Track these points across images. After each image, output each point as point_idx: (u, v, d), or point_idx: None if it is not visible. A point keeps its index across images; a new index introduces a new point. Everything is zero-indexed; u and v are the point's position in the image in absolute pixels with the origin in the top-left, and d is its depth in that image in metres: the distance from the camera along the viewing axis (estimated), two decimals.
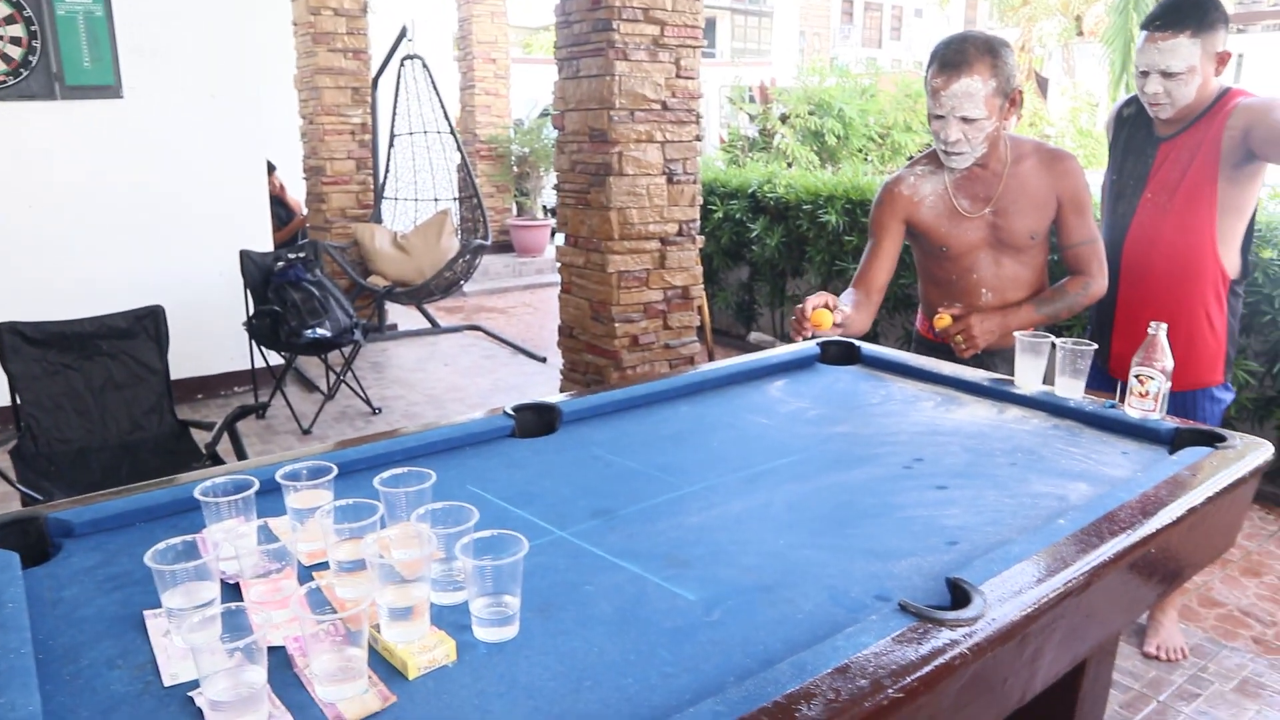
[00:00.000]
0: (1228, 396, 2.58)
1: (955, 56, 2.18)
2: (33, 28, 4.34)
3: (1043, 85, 15.03)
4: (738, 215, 5.89)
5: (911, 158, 2.55)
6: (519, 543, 1.17)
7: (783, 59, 20.89)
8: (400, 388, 5.46)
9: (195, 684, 1.06)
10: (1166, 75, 2.32)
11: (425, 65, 6.23)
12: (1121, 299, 2.54)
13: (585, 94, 3.69)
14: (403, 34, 6.09)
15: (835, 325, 2.20)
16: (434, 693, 1.06)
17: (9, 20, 4.30)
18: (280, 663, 1.11)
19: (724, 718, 0.94)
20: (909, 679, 1.04)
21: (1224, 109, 2.35)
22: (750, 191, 5.82)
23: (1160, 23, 2.31)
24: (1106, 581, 1.37)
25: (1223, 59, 2.34)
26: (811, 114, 7.97)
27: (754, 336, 6.02)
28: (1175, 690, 2.57)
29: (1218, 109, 2.36)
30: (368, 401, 4.97)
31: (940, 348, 2.55)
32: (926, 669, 1.06)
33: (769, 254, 5.67)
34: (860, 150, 8.35)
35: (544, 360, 5.91)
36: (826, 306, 2.16)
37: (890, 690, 1.02)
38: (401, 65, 6.23)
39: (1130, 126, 2.57)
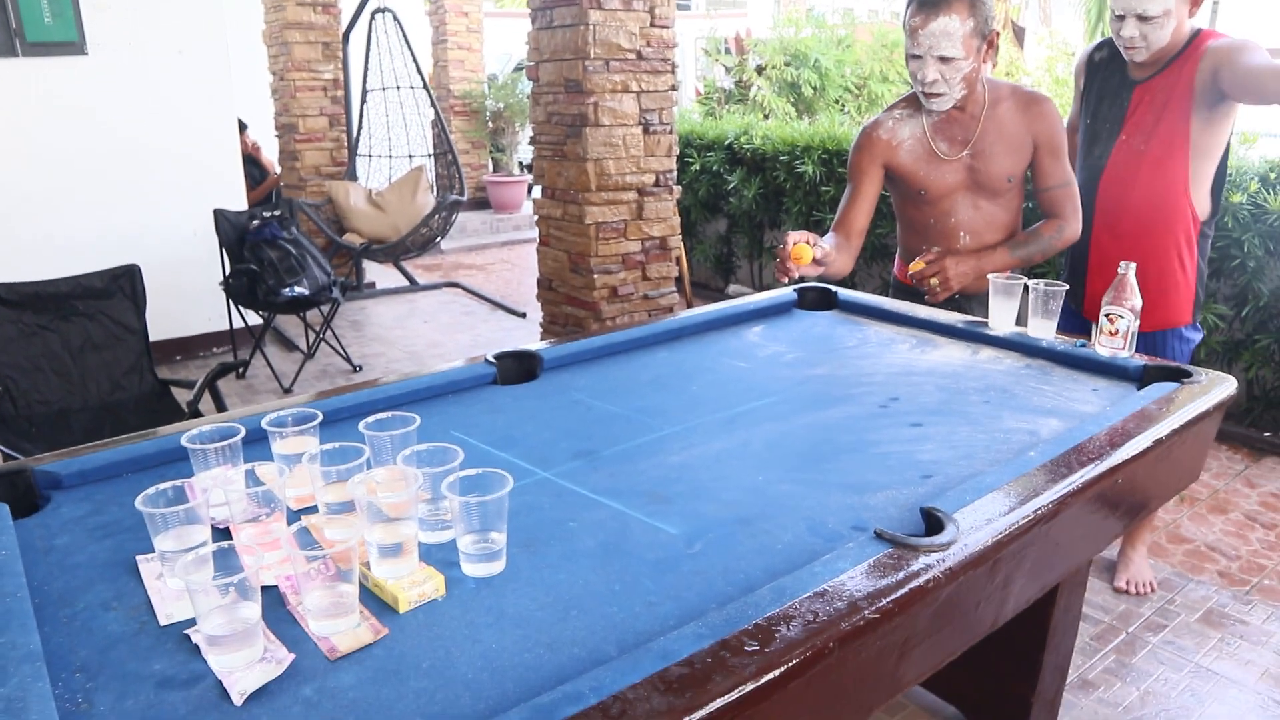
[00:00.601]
0: (1196, 336, 2.63)
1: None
2: None
3: (1019, 34, 14.95)
4: (715, 167, 5.87)
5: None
6: (503, 480, 1.20)
7: (760, 10, 20.65)
8: (380, 345, 5.46)
9: (190, 623, 1.09)
10: (1142, 19, 2.32)
11: (396, 19, 6.15)
12: (1095, 241, 2.57)
13: (560, 44, 3.66)
14: None
15: (816, 261, 2.24)
16: (425, 624, 1.09)
17: None
18: (273, 601, 1.14)
19: (706, 639, 0.98)
20: (884, 601, 1.09)
21: (1196, 51, 2.37)
22: (727, 143, 5.80)
23: None
24: (1074, 510, 1.42)
25: (1196, 1, 2.36)
26: (788, 65, 7.92)
27: (733, 289, 6.05)
28: (1143, 622, 2.65)
29: (1190, 51, 2.38)
30: (348, 359, 4.97)
31: (918, 293, 2.58)
32: (901, 592, 1.11)
33: (746, 206, 5.67)
34: (837, 101, 8.31)
35: (523, 315, 5.91)
36: (806, 243, 2.19)
37: (866, 612, 1.06)
38: (372, 19, 6.14)
39: (1104, 71, 2.59)
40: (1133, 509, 1.74)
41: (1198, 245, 2.52)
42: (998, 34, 2.30)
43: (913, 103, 2.44)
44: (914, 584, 1.12)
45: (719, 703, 0.90)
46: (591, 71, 3.56)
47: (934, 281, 2.38)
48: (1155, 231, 2.49)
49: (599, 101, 3.60)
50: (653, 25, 3.64)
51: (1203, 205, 2.49)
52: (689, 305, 5.25)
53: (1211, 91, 2.34)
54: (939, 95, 2.28)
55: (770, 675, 0.94)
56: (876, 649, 1.10)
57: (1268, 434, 3.86)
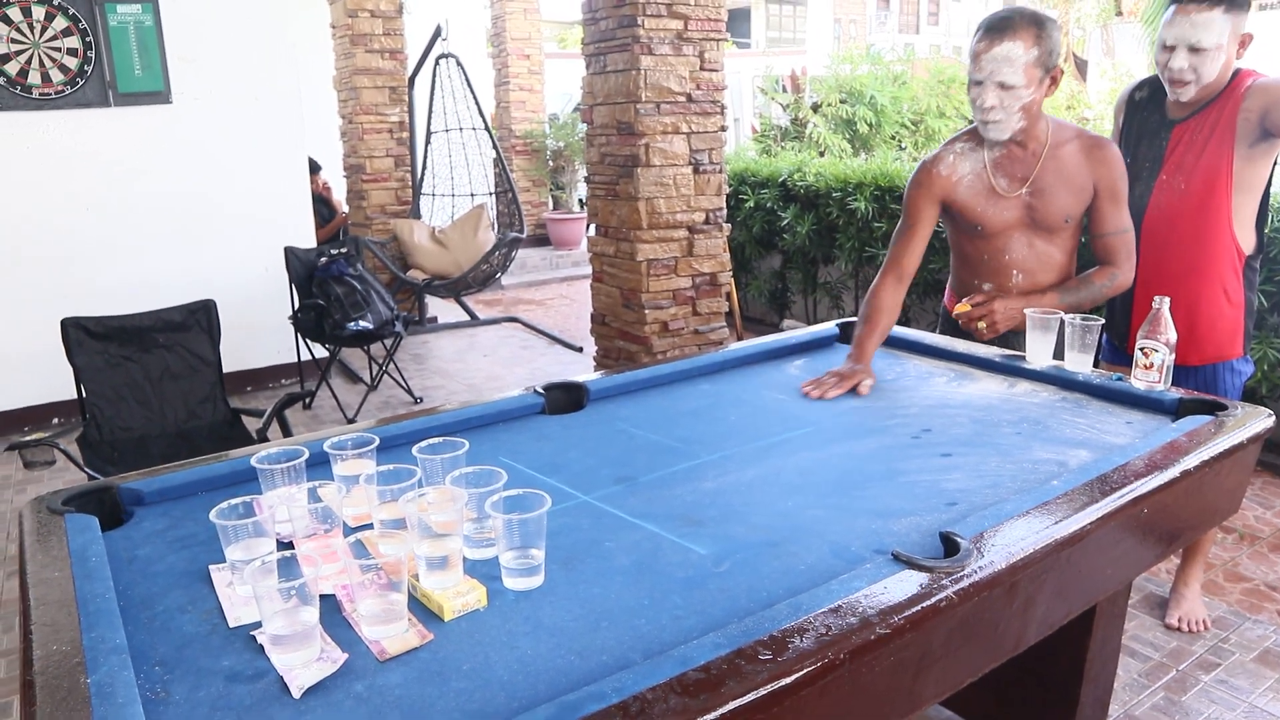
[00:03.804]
0: (1248, 369, 2.63)
1: (1000, 23, 2.21)
2: (87, 39, 4.55)
3: (1081, 67, 14.84)
4: (769, 204, 5.96)
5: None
6: (542, 500, 1.29)
7: (817, 47, 20.82)
8: (440, 378, 5.62)
9: (256, 625, 1.20)
10: (1194, 50, 2.30)
11: (459, 64, 6.38)
12: (1140, 280, 2.55)
13: (612, 88, 3.80)
14: (437, 33, 6.24)
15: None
16: (467, 632, 1.18)
17: (65, 33, 4.51)
18: (330, 608, 1.24)
19: (724, 648, 1.05)
20: (897, 618, 1.15)
21: (1238, 89, 2.38)
22: (781, 180, 5.89)
23: None
24: (1096, 538, 1.46)
25: (1244, 42, 2.35)
26: (843, 102, 8.00)
27: (787, 324, 6.10)
28: (1195, 660, 2.63)
29: (1230, 90, 2.39)
30: (409, 391, 5.14)
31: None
32: (913, 609, 1.17)
33: (800, 242, 5.74)
34: (893, 137, 8.35)
35: (579, 350, 6.03)
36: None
37: (879, 627, 1.12)
38: (437, 64, 6.38)
39: (1143, 110, 2.61)
40: (1164, 539, 1.76)
41: (1244, 279, 2.53)
42: (1061, 70, 2.30)
43: (975, 136, 2.42)
44: (927, 603, 1.18)
45: (731, 705, 0.97)
46: (643, 114, 3.69)
47: (982, 325, 2.40)
48: (1199, 268, 2.50)
49: (650, 143, 3.73)
50: (702, 69, 3.76)
51: (1247, 240, 2.49)
52: (739, 339, 5.32)
53: (1256, 129, 2.35)
54: (996, 122, 2.26)
55: (782, 682, 1.01)
56: (890, 664, 1.16)
57: None
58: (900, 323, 2.53)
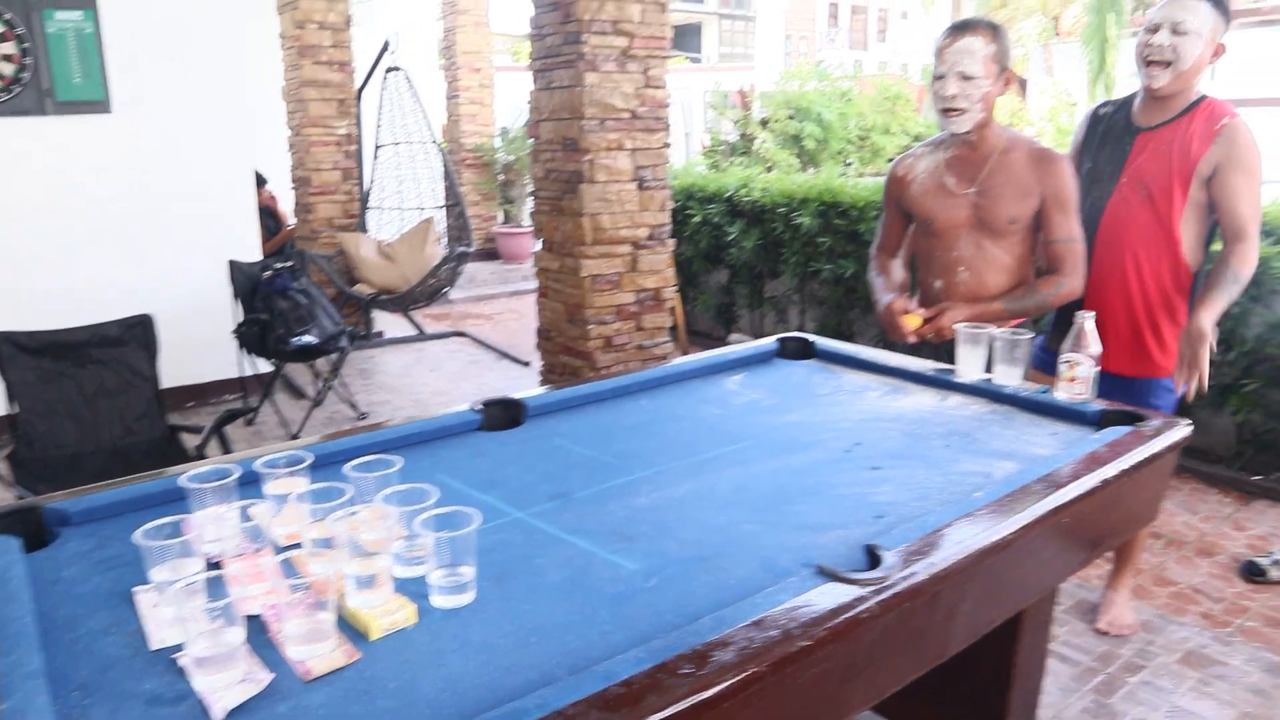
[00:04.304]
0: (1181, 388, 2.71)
1: (962, 23, 2.45)
2: (24, 45, 4.46)
3: (1023, 85, 15.21)
4: (716, 219, 6.02)
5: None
6: (471, 517, 1.30)
7: (768, 63, 21.05)
8: (387, 393, 5.59)
9: (179, 648, 1.19)
10: (1177, 31, 2.39)
11: (408, 77, 6.37)
12: (1091, 285, 2.59)
13: (558, 104, 3.83)
14: (385, 47, 6.22)
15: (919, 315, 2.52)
16: (395, 650, 1.19)
17: (1, 39, 4.42)
18: (257, 629, 1.23)
19: (646, 663, 1.07)
20: (819, 630, 1.17)
21: (1210, 117, 2.44)
22: (727, 195, 5.95)
23: None
24: (1018, 547, 1.51)
25: (1218, 51, 2.45)
26: (791, 118, 8.12)
27: (734, 338, 6.16)
28: (1123, 663, 2.70)
29: (1194, 113, 2.47)
30: (354, 407, 5.09)
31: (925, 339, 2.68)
32: (835, 621, 1.19)
33: (746, 256, 5.80)
34: (840, 153, 8.50)
35: (527, 364, 6.03)
36: (908, 312, 2.46)
37: (800, 640, 1.15)
38: (385, 77, 6.36)
39: (1108, 121, 2.66)
40: (1085, 547, 1.82)
41: (1189, 296, 2.59)
42: (1014, 73, 2.47)
43: (936, 142, 2.62)
44: (849, 614, 1.21)
45: (652, 719, 0.99)
46: (588, 130, 3.72)
47: (929, 337, 2.52)
48: (1150, 280, 2.55)
49: (594, 159, 3.76)
50: (646, 86, 3.80)
51: (1195, 257, 2.56)
52: (684, 354, 5.36)
53: (1209, 174, 2.45)
54: (958, 111, 2.39)
55: (702, 695, 1.03)
56: (814, 675, 1.18)
57: (1257, 477, 3.91)
58: (843, 337, 2.60)
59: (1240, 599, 3.06)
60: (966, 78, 2.36)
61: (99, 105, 4.71)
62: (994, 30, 2.41)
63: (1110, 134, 2.64)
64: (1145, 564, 3.27)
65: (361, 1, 7.19)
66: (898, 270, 2.77)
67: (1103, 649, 2.77)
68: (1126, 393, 2.65)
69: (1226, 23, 2.45)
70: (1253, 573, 3.17)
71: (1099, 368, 2.09)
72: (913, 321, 2.46)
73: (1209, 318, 2.39)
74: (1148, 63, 2.48)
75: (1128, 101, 2.64)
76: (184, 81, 4.90)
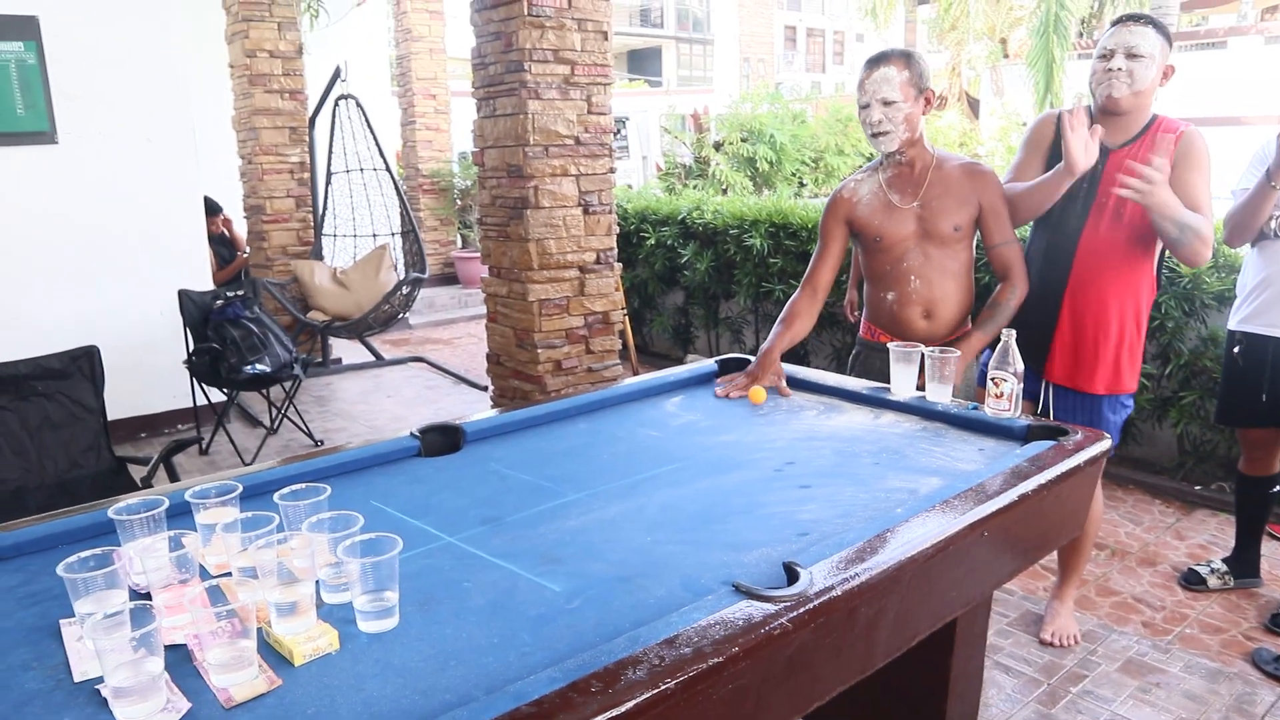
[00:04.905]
0: (1131, 405, 2.79)
1: (876, 56, 2.62)
2: None
3: (974, 106, 15.51)
4: (669, 241, 6.08)
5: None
6: (394, 543, 1.32)
7: (726, 86, 21.29)
8: (343, 420, 5.56)
9: (103, 679, 1.19)
10: (1131, 55, 2.53)
11: (359, 105, 6.38)
12: (1067, 302, 2.70)
13: (502, 132, 3.87)
14: (336, 74, 6.23)
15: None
16: (316, 676, 1.20)
17: None
18: (180, 658, 1.24)
19: (558, 682, 1.09)
20: (732, 648, 1.20)
21: (1168, 130, 2.57)
22: (680, 218, 6.02)
23: (1132, 16, 2.59)
24: (937, 561, 1.55)
25: (1168, 72, 2.59)
26: (744, 140, 8.22)
27: (690, 358, 6.21)
28: (1065, 673, 2.76)
29: (1157, 128, 2.59)
30: (310, 434, 5.07)
31: (879, 348, 2.75)
32: (748, 638, 1.22)
33: (700, 278, 5.87)
34: (794, 174, 8.61)
35: (485, 389, 6.01)
36: (764, 388, 2.46)
37: (712, 657, 1.18)
38: (336, 105, 6.37)
39: None
40: (1009, 559, 1.87)
41: (1148, 313, 2.71)
42: (933, 92, 2.65)
43: (873, 167, 2.77)
44: (761, 631, 1.24)
45: None
46: (532, 157, 3.76)
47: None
48: (1123, 296, 2.65)
49: (539, 185, 3.80)
50: (590, 113, 3.86)
51: (1157, 275, 2.69)
52: (636, 375, 5.40)
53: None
54: (885, 133, 2.58)
55: (612, 713, 1.05)
56: (726, 691, 1.21)
57: (1198, 487, 4.01)
58: (797, 358, 2.65)
59: (1180, 607, 3.14)
60: (887, 103, 2.55)
61: (44, 136, 4.68)
62: (907, 58, 2.58)
63: None
64: (1089, 574, 3.34)
65: (313, 30, 7.19)
66: (807, 315, 2.73)
67: (1046, 660, 2.83)
68: (1085, 409, 2.73)
69: (1170, 47, 2.60)
70: (1192, 581, 3.25)
71: (1022, 384, 2.15)
72: (757, 396, 2.42)
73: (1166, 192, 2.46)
74: (1104, 82, 2.59)
75: (1092, 114, 2.70)
76: (130, 111, 4.88)
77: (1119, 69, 2.54)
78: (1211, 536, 3.67)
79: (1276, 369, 2.94)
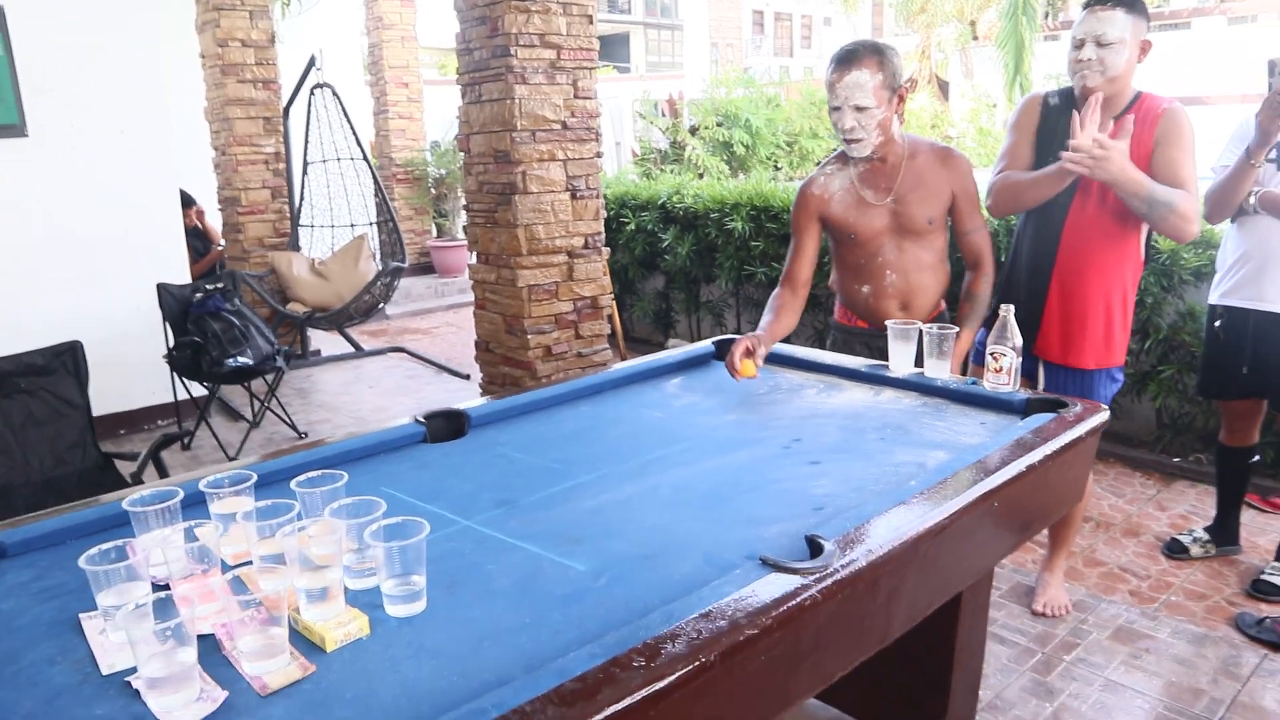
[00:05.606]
0: (1121, 379, 2.83)
1: (847, 55, 2.48)
2: None
3: (944, 88, 15.61)
4: (650, 226, 6.08)
5: (820, 162, 2.81)
6: (421, 526, 1.31)
7: (695, 71, 21.28)
8: (326, 411, 5.52)
9: (131, 670, 1.18)
10: (1101, 44, 2.53)
11: (335, 93, 6.31)
12: (1056, 282, 2.73)
13: (488, 117, 3.84)
14: (311, 63, 6.16)
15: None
16: (350, 660, 1.20)
17: None
18: (210, 648, 1.24)
19: (599, 658, 1.10)
20: (765, 619, 1.21)
21: (1150, 110, 2.58)
22: (660, 203, 6.02)
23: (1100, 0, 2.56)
24: (951, 531, 1.57)
25: (1144, 48, 2.59)
26: (720, 125, 8.22)
27: (671, 343, 6.21)
28: (1058, 642, 2.80)
29: (1140, 107, 2.59)
30: (293, 426, 5.03)
31: (854, 332, 2.76)
32: (780, 610, 1.24)
33: (681, 262, 5.87)
34: (770, 158, 8.62)
35: (467, 377, 6.01)
36: (749, 353, 2.35)
37: (747, 629, 1.19)
38: (311, 94, 6.30)
39: (1057, 117, 2.74)
40: (1016, 529, 1.90)
41: (1137, 285, 2.74)
42: (906, 89, 2.57)
43: (842, 158, 2.68)
44: (792, 603, 1.25)
45: (608, 711, 1.02)
46: (519, 142, 3.75)
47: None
48: (1110, 274, 2.68)
49: (527, 170, 3.78)
50: (576, 97, 3.84)
51: (1144, 248, 2.71)
52: (623, 359, 5.40)
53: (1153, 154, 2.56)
54: (858, 141, 2.51)
55: (655, 686, 1.06)
56: (762, 662, 1.22)
57: (1176, 459, 4.08)
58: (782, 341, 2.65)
59: (1164, 575, 3.20)
60: (860, 109, 2.46)
61: (14, 129, 4.59)
62: (879, 58, 2.46)
63: (1060, 135, 2.71)
64: (1076, 546, 3.39)
65: (285, 19, 7.09)
66: (793, 308, 2.67)
67: (1039, 630, 2.87)
68: (1076, 384, 2.76)
69: (1146, 22, 2.59)
70: (1175, 550, 3.31)
71: (1020, 358, 2.18)
72: (748, 369, 2.35)
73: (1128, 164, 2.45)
74: (1078, 72, 2.61)
75: (1070, 97, 2.71)
76: (102, 103, 4.80)
77: (1089, 59, 2.55)
78: (1191, 506, 3.74)
79: (1257, 341, 3.00)
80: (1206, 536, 3.32)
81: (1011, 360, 2.16)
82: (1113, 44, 2.53)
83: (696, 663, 1.11)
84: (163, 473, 3.16)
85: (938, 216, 2.62)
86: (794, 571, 1.31)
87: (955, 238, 2.70)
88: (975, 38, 15.66)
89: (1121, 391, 4.15)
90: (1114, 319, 2.72)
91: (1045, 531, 3.11)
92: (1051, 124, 2.76)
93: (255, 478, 1.57)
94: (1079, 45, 2.59)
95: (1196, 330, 3.83)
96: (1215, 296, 3.11)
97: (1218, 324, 3.09)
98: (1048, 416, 1.98)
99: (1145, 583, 3.16)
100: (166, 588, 1.38)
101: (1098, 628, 2.87)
